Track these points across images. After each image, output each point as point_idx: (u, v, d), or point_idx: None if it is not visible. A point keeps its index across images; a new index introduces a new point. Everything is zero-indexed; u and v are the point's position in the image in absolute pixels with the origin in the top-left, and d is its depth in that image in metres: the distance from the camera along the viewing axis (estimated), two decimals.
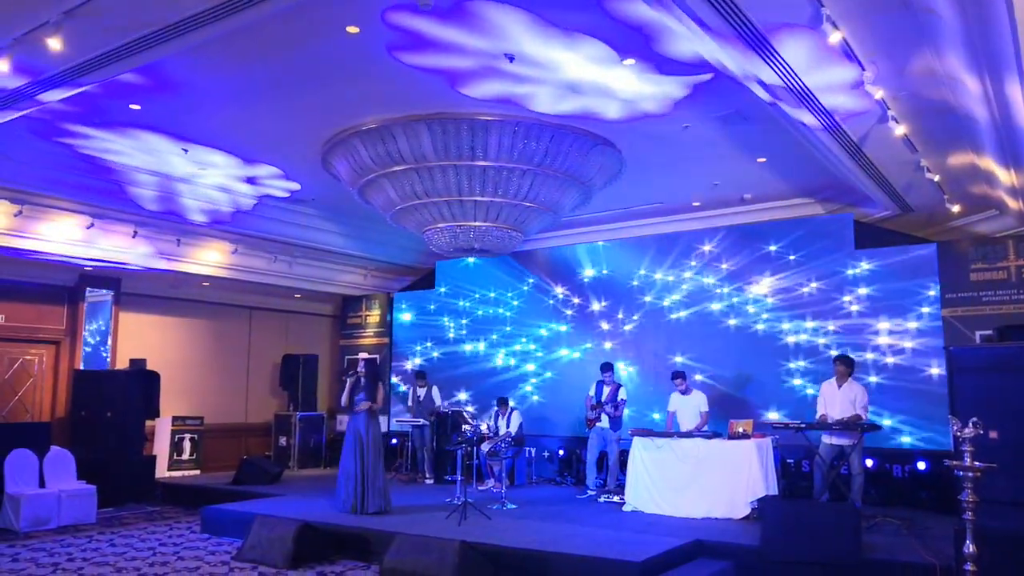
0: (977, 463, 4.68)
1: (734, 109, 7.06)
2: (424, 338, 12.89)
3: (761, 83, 5.60)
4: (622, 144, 8.12)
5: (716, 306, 10.24)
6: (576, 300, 11.50)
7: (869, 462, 8.30)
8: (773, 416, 9.32)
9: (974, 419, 4.73)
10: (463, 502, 7.62)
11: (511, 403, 10.59)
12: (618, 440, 9.12)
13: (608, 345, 11.06)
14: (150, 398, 10.67)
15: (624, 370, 10.74)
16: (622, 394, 9.22)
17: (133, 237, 9.79)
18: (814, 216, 9.85)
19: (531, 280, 11.90)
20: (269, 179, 9.45)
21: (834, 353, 8.75)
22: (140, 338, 11.49)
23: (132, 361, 10.99)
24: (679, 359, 10.35)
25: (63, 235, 9.23)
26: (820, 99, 5.81)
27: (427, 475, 10.95)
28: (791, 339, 9.64)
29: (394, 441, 12.13)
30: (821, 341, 9.45)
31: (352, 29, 5.70)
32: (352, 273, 12.98)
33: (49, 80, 5.72)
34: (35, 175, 8.49)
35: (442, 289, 12.80)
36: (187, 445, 11.64)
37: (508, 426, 10.07)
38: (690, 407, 8.77)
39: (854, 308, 9.31)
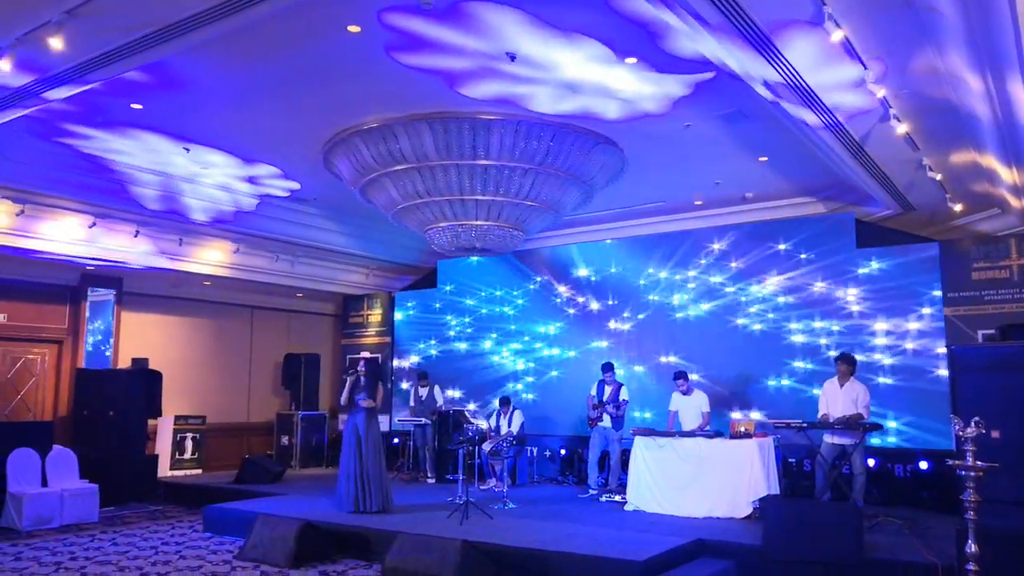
0: (979, 462, 4.66)
1: (735, 108, 7.05)
2: (427, 336, 12.88)
3: (763, 81, 5.59)
4: (623, 143, 8.11)
5: (722, 303, 10.20)
6: (580, 299, 11.46)
7: (871, 461, 8.29)
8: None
9: (976, 418, 4.71)
10: (465, 501, 7.62)
11: (513, 402, 10.58)
12: (620, 439, 9.11)
13: (609, 344, 11.04)
14: (152, 397, 10.68)
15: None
16: (624, 394, 9.20)
17: (135, 236, 9.79)
18: (816, 215, 9.83)
19: (538, 279, 11.87)
20: (269, 179, 9.45)
21: (833, 354, 8.73)
22: (142, 337, 11.51)
23: (134, 360, 11.02)
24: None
25: (65, 234, 9.24)
26: (822, 97, 5.79)
27: (429, 474, 10.95)
28: (796, 339, 9.60)
29: (396, 440, 12.14)
30: (823, 341, 9.43)
31: (353, 28, 5.70)
32: (354, 272, 12.98)
33: (55, 78, 5.73)
34: (37, 175, 8.50)
35: (447, 287, 12.79)
36: (189, 444, 11.67)
37: (510, 425, 10.07)
38: (692, 407, 8.76)
39: (855, 308, 9.29)
